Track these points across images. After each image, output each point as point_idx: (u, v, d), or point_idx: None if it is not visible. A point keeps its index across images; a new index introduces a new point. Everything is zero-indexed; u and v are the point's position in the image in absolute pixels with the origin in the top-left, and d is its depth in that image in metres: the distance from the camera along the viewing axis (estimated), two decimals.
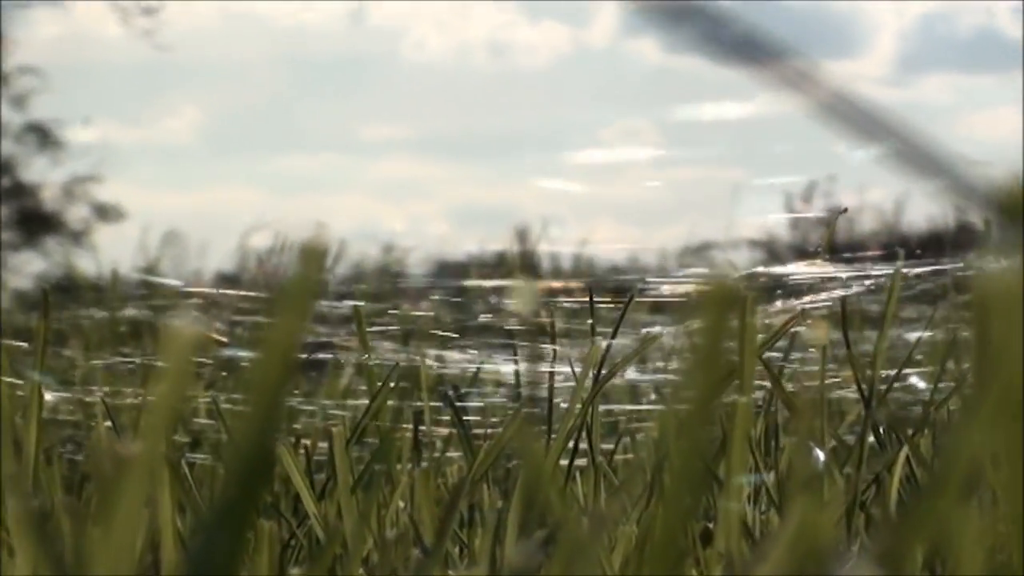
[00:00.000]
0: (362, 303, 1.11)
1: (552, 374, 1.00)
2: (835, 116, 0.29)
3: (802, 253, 1.16)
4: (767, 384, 0.97)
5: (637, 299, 1.11)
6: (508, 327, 1.22)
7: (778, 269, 1.19)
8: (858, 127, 0.28)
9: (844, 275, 1.17)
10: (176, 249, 3.13)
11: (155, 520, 0.70)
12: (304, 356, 1.36)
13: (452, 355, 1.30)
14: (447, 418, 1.09)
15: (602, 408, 1.07)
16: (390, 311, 1.50)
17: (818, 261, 1.13)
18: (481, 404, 1.34)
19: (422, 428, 1.08)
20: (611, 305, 1.11)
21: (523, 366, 1.11)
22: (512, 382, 1.14)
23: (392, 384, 1.02)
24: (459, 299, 1.56)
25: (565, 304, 1.21)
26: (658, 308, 1.27)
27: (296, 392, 1.35)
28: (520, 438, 0.76)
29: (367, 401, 1.02)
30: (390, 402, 1.07)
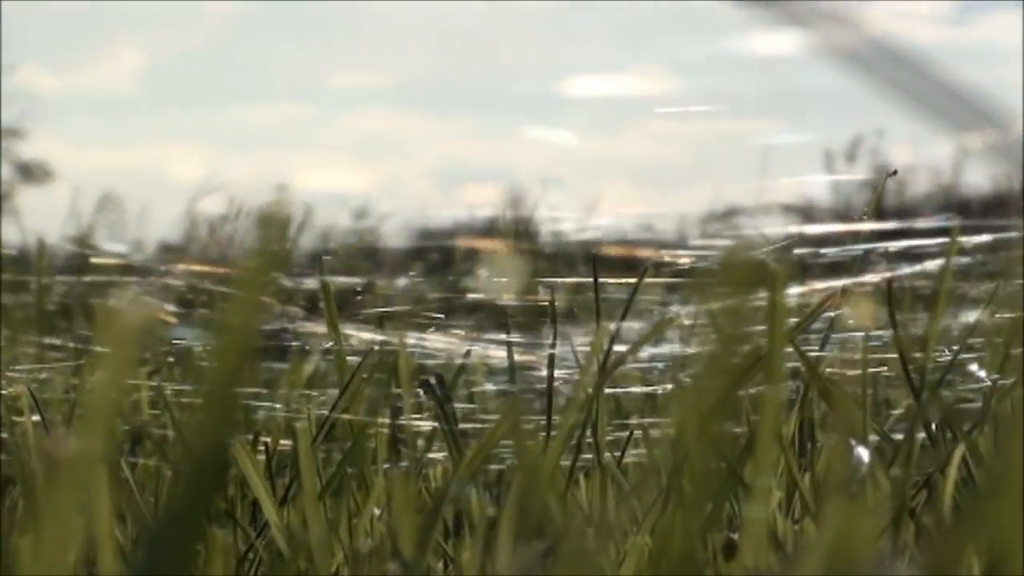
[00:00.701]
0: (331, 278, 1.11)
1: (552, 361, 1.01)
2: (872, 64, 0.29)
3: (845, 220, 1.17)
4: (801, 372, 0.97)
5: (651, 274, 1.12)
6: (502, 306, 1.23)
7: (816, 239, 1.20)
8: (897, 77, 0.29)
9: (892, 246, 1.18)
10: (113, 215, 3.13)
11: (91, 530, 0.71)
12: (264, 340, 1.36)
13: (436, 339, 1.31)
14: (430, 412, 1.09)
15: (608, 393, 1.07)
16: (364, 287, 1.51)
17: (862, 229, 1.14)
18: (470, 395, 1.35)
19: (401, 423, 1.08)
20: (621, 281, 1.11)
21: (519, 352, 1.11)
22: (506, 370, 1.14)
23: (366, 373, 1.02)
24: (444, 273, 1.57)
25: (568, 280, 1.21)
26: (676, 284, 1.27)
27: (255, 382, 1.35)
28: (514, 435, 0.76)
29: (337, 392, 1.02)
30: (364, 393, 1.07)
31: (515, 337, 1.12)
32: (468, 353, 1.25)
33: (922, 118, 0.31)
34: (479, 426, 1.14)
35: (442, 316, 1.36)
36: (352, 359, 1.07)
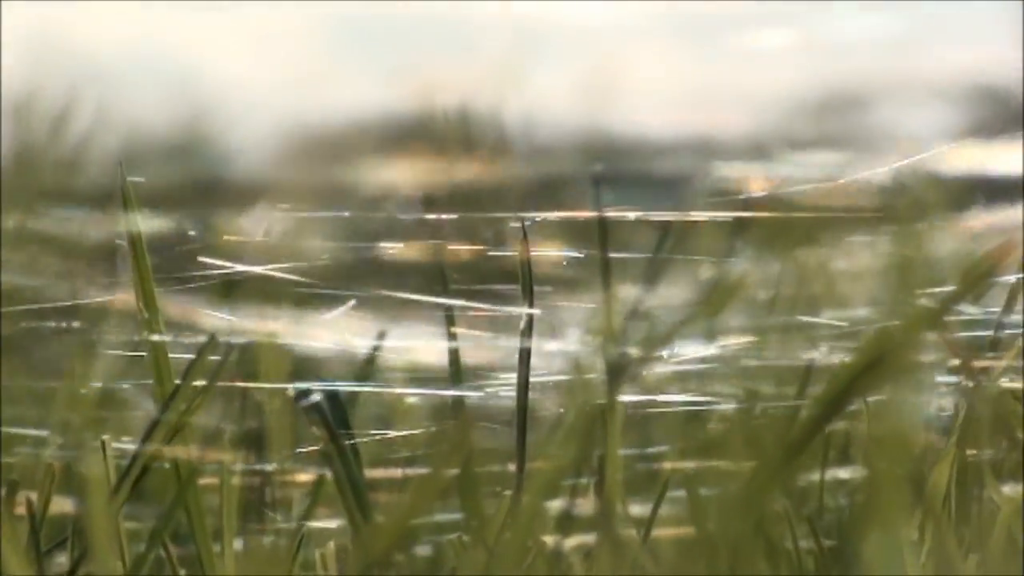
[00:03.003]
0: (142, 215, 1.12)
1: (527, 357, 1.02)
2: None
3: None
4: (958, 376, 0.99)
5: (701, 210, 1.13)
6: (440, 264, 1.24)
7: (997, 147, 1.21)
8: None
9: None
10: None
11: None
12: (22, 326, 1.37)
13: (326, 320, 1.32)
14: (315, 446, 1.10)
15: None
16: (199, 232, 1.52)
17: None
18: (383, 418, 1.36)
19: (265, 468, 1.10)
20: (649, 221, 1.13)
21: (469, 342, 1.13)
22: (447, 374, 1.16)
23: (203, 379, 1.03)
24: (341, 207, 1.58)
25: (556, 217, 1.22)
26: (744, 228, 1.29)
27: (11, 399, 1.36)
28: (461, 487, 0.77)
29: (153, 414, 1.04)
30: (199, 416, 1.08)
31: (461, 318, 1.13)
32: (379, 346, 1.26)
33: None
34: (398, 472, 1.15)
35: (337, 281, 1.37)
36: (180, 357, 1.08)
